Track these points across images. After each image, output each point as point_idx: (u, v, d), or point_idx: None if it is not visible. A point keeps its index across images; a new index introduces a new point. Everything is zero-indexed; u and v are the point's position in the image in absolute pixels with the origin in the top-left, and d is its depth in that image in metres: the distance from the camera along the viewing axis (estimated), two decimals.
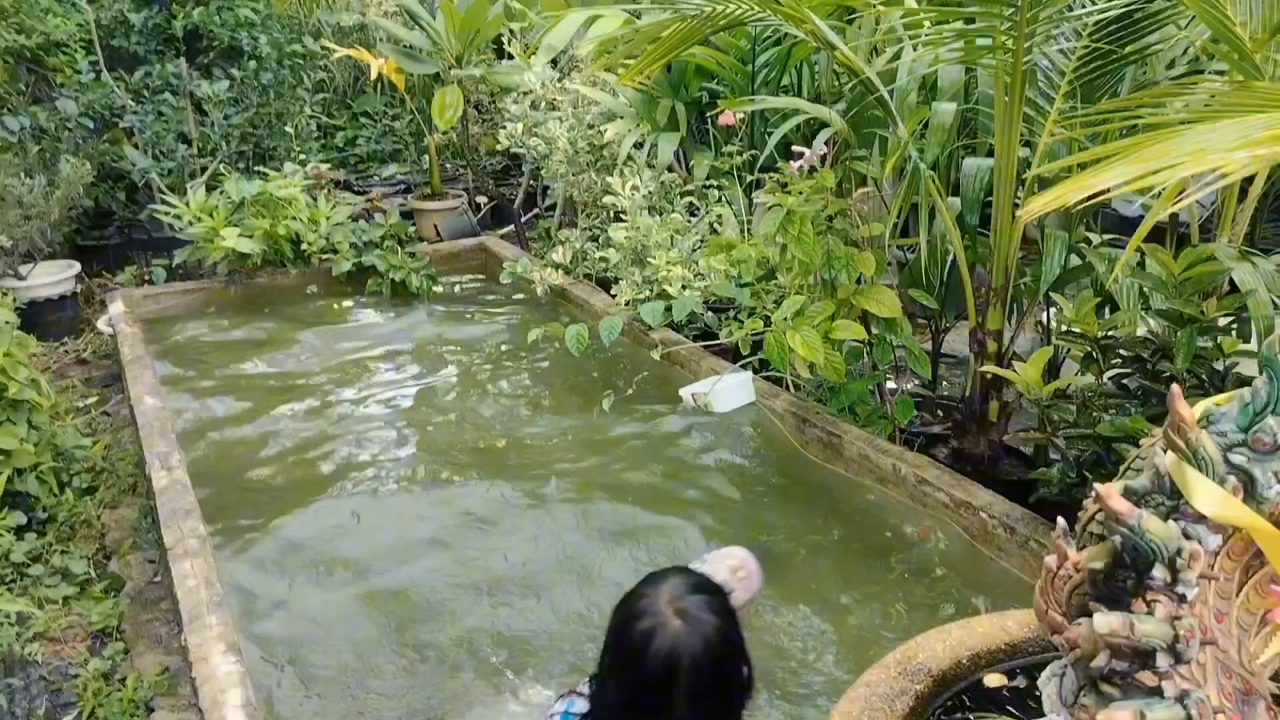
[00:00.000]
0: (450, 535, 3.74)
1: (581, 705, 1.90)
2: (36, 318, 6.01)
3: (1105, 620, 1.25)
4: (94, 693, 3.09)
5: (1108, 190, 1.97)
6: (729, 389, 4.35)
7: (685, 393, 4.46)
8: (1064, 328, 3.36)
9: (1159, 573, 1.26)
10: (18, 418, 3.85)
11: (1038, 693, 1.56)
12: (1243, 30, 2.82)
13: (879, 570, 3.36)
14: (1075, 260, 3.57)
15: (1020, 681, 1.77)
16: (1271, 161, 1.94)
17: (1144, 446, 1.47)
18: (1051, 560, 1.46)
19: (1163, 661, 1.26)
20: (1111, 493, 1.29)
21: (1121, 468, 1.50)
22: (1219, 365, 3.00)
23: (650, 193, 5.36)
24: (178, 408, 4.81)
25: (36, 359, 5.71)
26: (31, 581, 3.62)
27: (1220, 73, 3.32)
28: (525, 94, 6.25)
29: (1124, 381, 3.20)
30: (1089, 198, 2.01)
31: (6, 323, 4.02)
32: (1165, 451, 1.35)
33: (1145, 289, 3.22)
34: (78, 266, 6.41)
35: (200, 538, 3.28)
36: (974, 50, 3.35)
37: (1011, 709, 1.73)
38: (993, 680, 1.78)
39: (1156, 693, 1.27)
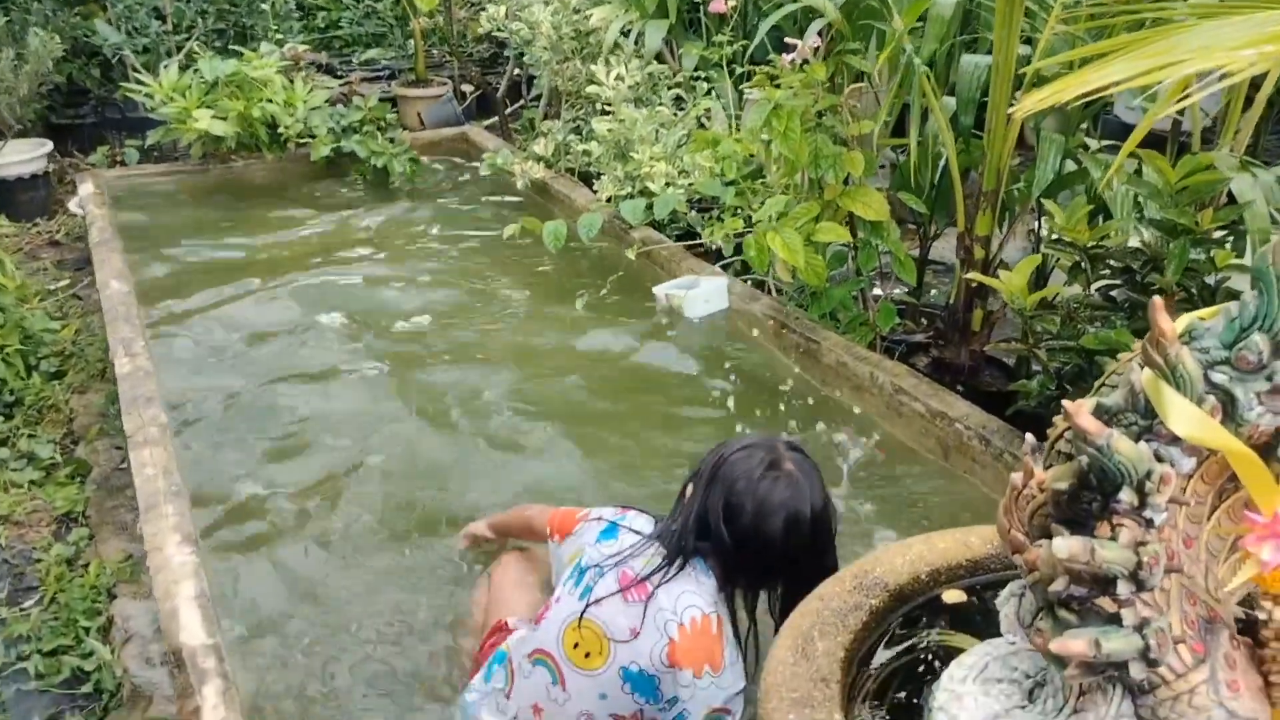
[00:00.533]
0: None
1: (641, 522, 2.05)
2: (8, 197, 5.85)
3: (1065, 544, 1.18)
4: (56, 577, 3.06)
5: (1107, 88, 1.85)
6: (703, 295, 4.24)
7: (659, 291, 4.35)
8: (1054, 236, 3.25)
9: (1126, 496, 1.19)
10: None
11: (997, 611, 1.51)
12: None
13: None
14: (1071, 166, 3.44)
15: (979, 599, 1.73)
16: None
17: (1121, 361, 1.38)
18: (1017, 478, 1.40)
19: (1123, 589, 1.19)
20: (1080, 410, 1.21)
21: (1096, 383, 1.42)
22: (1210, 280, 2.91)
23: (636, 83, 5.16)
24: (140, 284, 4.71)
25: (8, 239, 5.58)
26: None
27: None
28: None
29: (1111, 293, 3.11)
30: (1087, 95, 1.90)
31: None
32: (1142, 368, 1.27)
33: (1140, 197, 3.11)
34: (50, 145, 6.19)
35: (161, 425, 3.22)
36: None
37: (970, 626, 1.69)
38: (952, 596, 1.73)
39: (1115, 620, 1.21)
